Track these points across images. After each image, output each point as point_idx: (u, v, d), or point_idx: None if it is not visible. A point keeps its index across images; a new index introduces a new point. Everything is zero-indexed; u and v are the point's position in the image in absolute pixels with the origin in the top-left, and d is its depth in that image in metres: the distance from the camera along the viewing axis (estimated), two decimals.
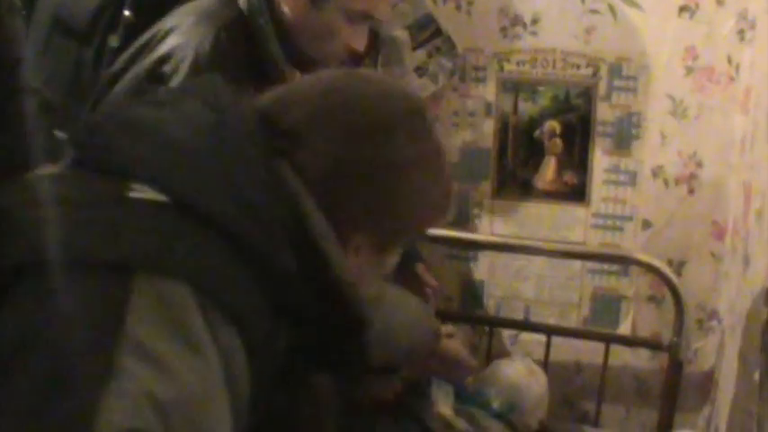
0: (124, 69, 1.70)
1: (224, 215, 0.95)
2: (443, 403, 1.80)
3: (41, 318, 0.86)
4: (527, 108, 2.55)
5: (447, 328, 1.87)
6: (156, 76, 1.64)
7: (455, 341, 1.86)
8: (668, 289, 2.21)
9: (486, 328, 2.48)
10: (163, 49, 1.66)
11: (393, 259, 1.23)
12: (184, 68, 1.62)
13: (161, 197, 0.95)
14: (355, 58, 1.83)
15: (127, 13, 1.91)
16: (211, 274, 0.93)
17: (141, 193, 0.95)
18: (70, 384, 0.82)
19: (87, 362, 0.83)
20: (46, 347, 0.84)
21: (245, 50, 1.70)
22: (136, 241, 0.91)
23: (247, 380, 0.96)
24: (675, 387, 2.19)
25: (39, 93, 1.45)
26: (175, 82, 1.61)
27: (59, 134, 1.56)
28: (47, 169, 1.08)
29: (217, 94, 1.10)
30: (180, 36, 1.67)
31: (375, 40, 2.08)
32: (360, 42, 1.76)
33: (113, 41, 1.88)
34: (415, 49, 2.57)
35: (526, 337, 2.55)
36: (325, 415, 1.27)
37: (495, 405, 1.82)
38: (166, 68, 1.63)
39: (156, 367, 0.85)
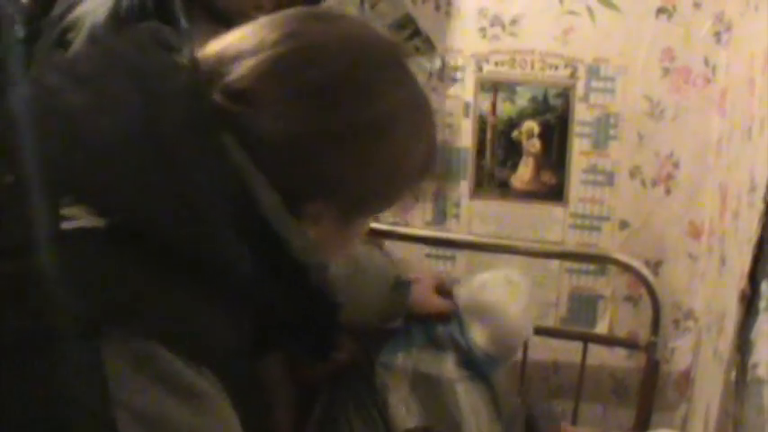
0: (39, 39, 1.67)
1: (168, 235, 0.83)
2: (397, 385, 1.61)
3: (21, 404, 0.77)
4: (505, 108, 2.56)
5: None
6: (62, 44, 1.60)
7: (423, 288, 1.69)
8: (645, 289, 2.22)
9: None
10: (71, 16, 1.63)
11: (362, 229, 1.09)
12: (82, 36, 1.58)
13: (96, 221, 0.82)
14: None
15: (24, 0, 1.86)
16: (170, 325, 0.81)
17: (75, 220, 0.82)
18: None
19: None
20: None
21: (153, 11, 1.59)
22: (84, 301, 0.78)
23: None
24: (652, 386, 2.20)
25: None
26: (74, 50, 1.55)
27: None
28: None
29: (144, 59, 0.93)
30: (87, 2, 1.63)
31: None
32: None
33: (18, 32, 1.83)
34: None
35: None
36: (274, 400, 1.15)
37: (480, 354, 1.64)
38: (71, 36, 1.60)
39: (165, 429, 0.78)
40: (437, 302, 1.70)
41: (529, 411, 1.82)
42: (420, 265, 2.64)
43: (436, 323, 1.69)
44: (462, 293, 1.75)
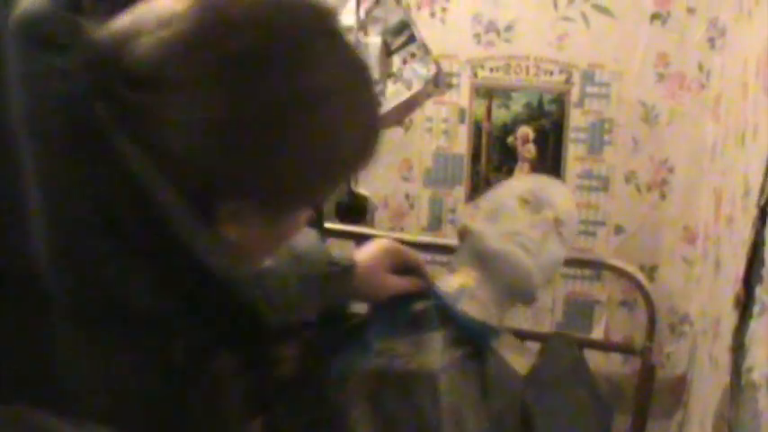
0: None
1: (49, 281, 0.73)
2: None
3: None
4: (500, 114, 2.56)
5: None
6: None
7: (372, 269, 1.38)
8: (640, 294, 2.22)
9: None
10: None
11: (296, 224, 0.96)
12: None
13: None
14: None
15: None
16: (53, 386, 0.73)
17: None
18: None
19: None
20: None
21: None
22: None
23: None
24: (648, 391, 2.19)
25: None
26: None
27: None
28: None
29: (23, 66, 0.81)
30: None
31: None
32: None
33: None
34: (389, 55, 2.57)
35: None
36: (227, 402, 1.05)
37: (474, 324, 1.35)
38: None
39: None
40: (394, 283, 1.40)
41: (525, 399, 1.43)
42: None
43: (412, 302, 1.40)
44: (472, 229, 1.46)
